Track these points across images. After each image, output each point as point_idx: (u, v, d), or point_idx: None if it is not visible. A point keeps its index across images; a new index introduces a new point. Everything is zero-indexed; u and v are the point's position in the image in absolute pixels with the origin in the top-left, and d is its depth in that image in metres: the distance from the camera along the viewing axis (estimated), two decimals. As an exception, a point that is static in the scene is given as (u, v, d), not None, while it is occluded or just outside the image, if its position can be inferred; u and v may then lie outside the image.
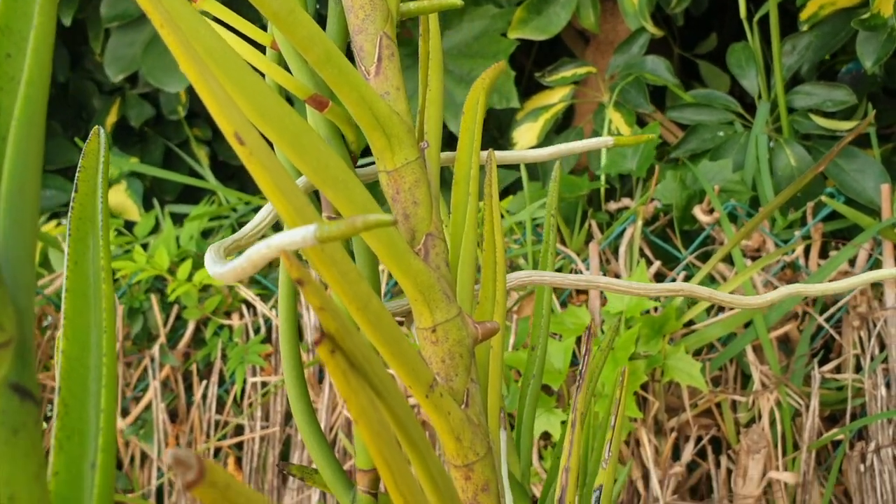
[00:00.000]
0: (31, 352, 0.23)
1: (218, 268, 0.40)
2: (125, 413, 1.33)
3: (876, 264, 1.34)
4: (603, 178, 1.52)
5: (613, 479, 0.60)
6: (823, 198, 1.35)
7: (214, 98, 0.27)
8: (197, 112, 1.95)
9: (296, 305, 0.47)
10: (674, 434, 1.19)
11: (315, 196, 0.52)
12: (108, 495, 0.29)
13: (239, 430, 1.33)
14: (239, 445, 1.31)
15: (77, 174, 0.34)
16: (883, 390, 1.28)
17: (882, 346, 1.31)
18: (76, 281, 0.33)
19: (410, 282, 0.43)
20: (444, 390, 0.42)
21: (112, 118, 1.90)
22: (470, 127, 0.51)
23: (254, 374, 1.29)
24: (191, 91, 1.84)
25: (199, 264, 1.32)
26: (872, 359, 1.30)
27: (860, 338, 1.32)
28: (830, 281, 1.35)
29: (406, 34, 1.71)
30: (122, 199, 1.73)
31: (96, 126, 0.34)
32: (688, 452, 1.20)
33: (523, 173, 1.53)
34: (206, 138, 1.94)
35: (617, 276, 1.37)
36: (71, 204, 0.34)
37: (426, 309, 0.44)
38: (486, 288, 0.51)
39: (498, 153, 0.58)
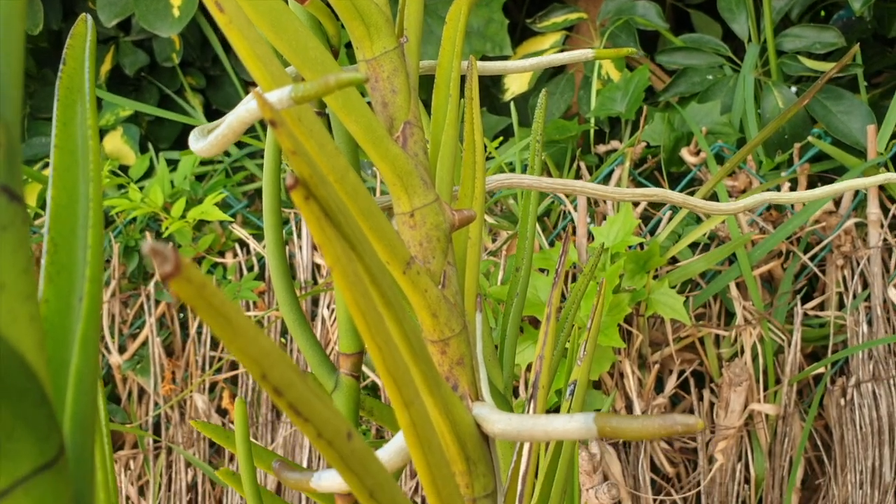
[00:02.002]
0: (18, 160, 0.25)
1: (201, 142, 0.43)
2: (122, 350, 1.36)
3: (861, 204, 1.37)
4: (592, 121, 1.53)
5: (588, 376, 0.62)
6: (810, 138, 1.37)
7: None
8: (191, 60, 1.95)
9: (280, 170, 0.49)
10: (657, 367, 1.22)
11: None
12: (94, 325, 0.31)
13: (233, 365, 1.36)
14: (234, 380, 1.34)
15: (65, 51, 0.36)
16: (865, 327, 1.31)
17: (865, 285, 1.34)
18: (64, 139, 0.35)
19: (388, 166, 0.45)
20: (420, 269, 0.44)
21: (106, 66, 1.90)
22: (451, 36, 0.53)
23: (247, 310, 1.31)
24: (184, 38, 1.85)
25: (192, 203, 1.34)
26: (855, 297, 1.33)
27: (843, 276, 1.35)
28: (816, 222, 1.37)
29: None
30: (118, 144, 1.75)
31: (83, 13, 0.36)
32: (671, 385, 1.23)
33: (514, 119, 1.54)
34: (201, 86, 1.95)
35: (605, 217, 1.39)
36: (59, 75, 0.35)
37: (404, 194, 0.46)
38: (466, 186, 0.53)
39: (480, 63, 0.60)
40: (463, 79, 0.53)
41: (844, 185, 0.67)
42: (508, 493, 0.51)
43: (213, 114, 1.98)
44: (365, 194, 0.36)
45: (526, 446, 0.54)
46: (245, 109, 0.37)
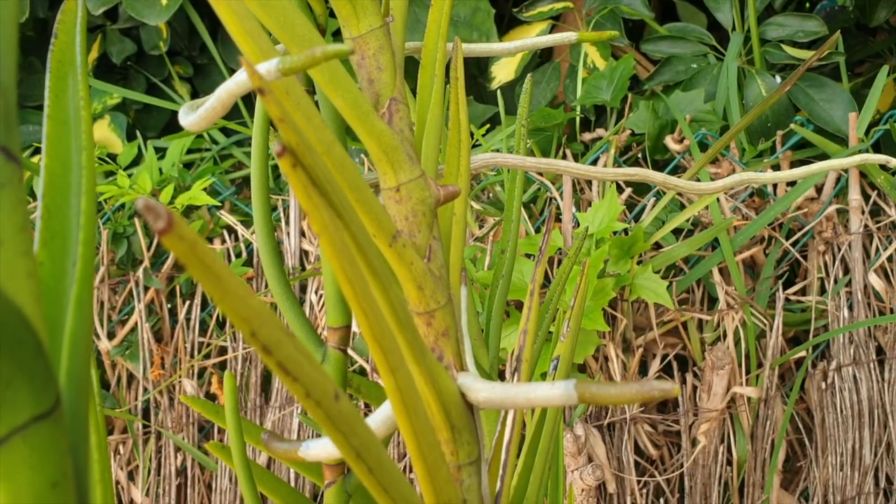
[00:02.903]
0: (15, 122, 0.26)
1: (191, 116, 0.44)
2: (111, 336, 1.37)
3: (843, 190, 1.39)
4: (578, 109, 1.55)
5: (571, 352, 0.63)
6: (793, 126, 1.39)
7: None
8: (178, 49, 1.95)
9: (267, 145, 0.50)
10: (641, 351, 1.23)
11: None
12: (88, 287, 0.32)
13: (222, 351, 1.37)
14: (222, 366, 1.35)
15: (56, 25, 0.37)
16: (845, 312, 1.33)
17: (846, 270, 1.36)
18: (57, 110, 0.36)
19: (375, 142, 0.46)
20: (406, 242, 0.45)
21: (93, 54, 1.90)
22: (437, 18, 0.54)
23: (236, 296, 1.32)
24: (171, 26, 1.85)
25: (181, 190, 1.35)
26: (836, 282, 1.35)
27: (825, 262, 1.36)
28: (798, 208, 1.39)
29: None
30: (105, 133, 1.75)
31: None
32: (654, 369, 1.25)
33: (501, 107, 1.55)
34: (188, 75, 1.95)
35: (590, 203, 1.41)
36: (50, 48, 0.36)
37: (390, 169, 0.47)
38: (451, 163, 0.54)
39: (465, 45, 0.61)
40: (449, 62, 0.54)
41: (821, 166, 0.68)
42: (493, 461, 0.52)
43: (200, 102, 1.98)
44: (352, 167, 0.37)
45: (510, 417, 0.55)
46: (234, 83, 0.38)
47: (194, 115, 0.42)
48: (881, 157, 0.70)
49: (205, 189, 1.31)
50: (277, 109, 0.30)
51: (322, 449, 0.45)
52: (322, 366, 0.55)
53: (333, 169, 0.36)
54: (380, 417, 0.47)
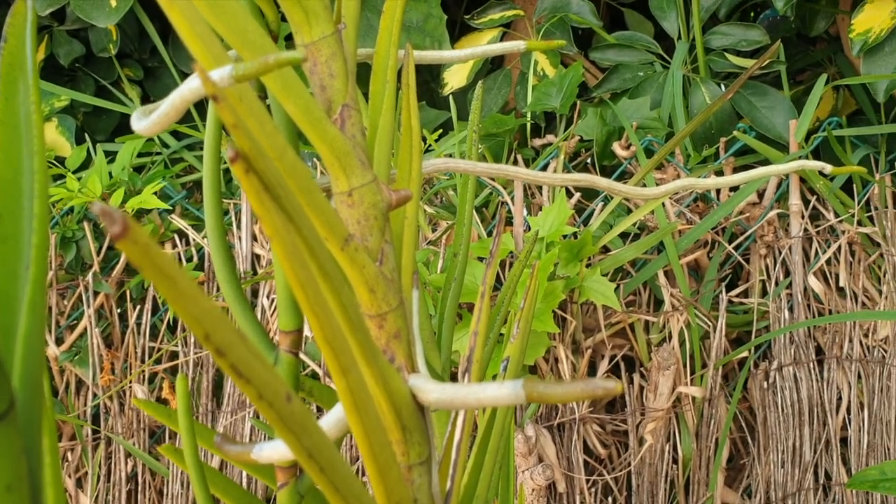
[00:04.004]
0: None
1: (144, 122, 0.44)
2: (60, 341, 1.35)
3: (783, 196, 1.43)
4: (528, 115, 1.57)
5: (521, 353, 0.65)
6: (736, 133, 1.43)
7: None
8: (128, 52, 1.93)
9: (219, 148, 0.51)
10: (590, 352, 1.26)
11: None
12: (41, 291, 0.33)
13: (173, 356, 1.36)
14: (173, 371, 1.34)
15: (5, 29, 0.37)
16: (786, 313, 1.37)
17: (786, 273, 1.40)
18: (8, 114, 0.36)
19: (327, 147, 0.47)
20: (358, 246, 0.46)
21: (40, 55, 1.87)
22: (389, 25, 0.55)
23: (187, 301, 1.31)
24: (121, 28, 1.83)
25: (131, 194, 1.34)
26: (777, 284, 1.39)
27: (766, 265, 1.41)
28: (741, 213, 1.43)
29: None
30: (54, 136, 1.72)
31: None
32: (603, 369, 1.28)
33: (453, 113, 1.57)
34: (138, 78, 1.93)
35: (540, 208, 1.43)
36: (0, 52, 0.37)
37: (342, 174, 0.48)
38: (403, 168, 0.55)
39: (417, 52, 0.62)
40: (400, 69, 0.55)
41: (761, 171, 0.71)
42: (443, 461, 0.53)
43: (150, 105, 1.96)
44: (304, 172, 0.38)
45: (460, 417, 0.56)
46: (188, 88, 0.39)
47: (147, 119, 0.43)
48: (818, 164, 0.73)
49: (155, 193, 1.30)
50: (231, 116, 0.30)
51: (275, 451, 0.46)
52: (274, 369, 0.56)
53: (286, 174, 0.37)
54: (332, 419, 0.48)
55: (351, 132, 0.49)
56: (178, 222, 1.35)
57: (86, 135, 1.74)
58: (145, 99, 1.95)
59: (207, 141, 0.54)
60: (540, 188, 1.48)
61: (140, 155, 1.58)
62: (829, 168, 0.74)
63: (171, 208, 1.37)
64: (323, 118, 0.45)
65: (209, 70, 0.36)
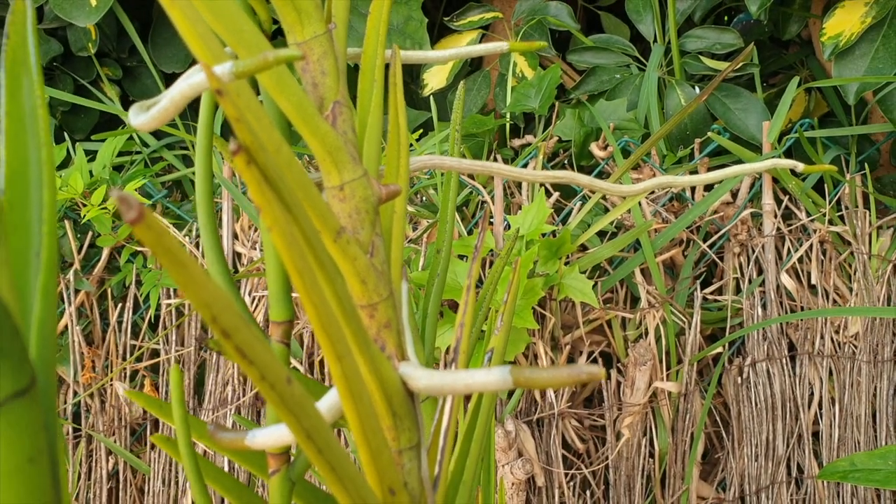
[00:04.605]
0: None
1: (142, 117, 0.45)
2: (39, 340, 1.34)
3: (756, 195, 1.46)
4: (508, 116, 1.59)
5: (505, 344, 0.67)
6: (710, 134, 1.46)
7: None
8: (107, 51, 1.93)
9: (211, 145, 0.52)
10: (568, 348, 1.28)
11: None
12: (53, 276, 0.34)
13: (154, 353, 1.36)
14: (154, 369, 1.35)
15: (7, 27, 0.38)
16: (759, 310, 1.40)
17: (760, 271, 1.43)
18: (13, 108, 0.37)
19: (319, 142, 0.48)
20: (350, 239, 0.48)
21: (17, 54, 1.86)
22: (375, 25, 0.56)
23: (168, 298, 1.32)
24: (100, 28, 1.83)
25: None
26: (751, 281, 1.42)
27: (740, 263, 1.44)
28: (715, 212, 1.46)
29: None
30: (29, 134, 1.72)
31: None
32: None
33: (434, 114, 1.59)
34: (117, 77, 1.93)
35: (520, 207, 1.45)
36: (3, 49, 0.38)
37: (334, 169, 0.50)
38: (391, 164, 0.57)
39: (402, 52, 0.64)
40: (387, 67, 0.57)
41: (735, 170, 0.73)
42: (431, 447, 0.55)
43: (129, 104, 1.96)
44: (298, 166, 0.39)
45: (448, 406, 0.58)
46: (188, 84, 0.40)
47: (146, 114, 0.44)
48: (790, 162, 0.76)
49: (136, 191, 1.30)
50: (234, 110, 0.32)
51: (268, 436, 0.47)
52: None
53: (282, 167, 0.38)
54: (326, 404, 0.49)
55: (342, 128, 0.50)
56: (160, 220, 1.36)
57: (65, 133, 1.73)
58: (124, 98, 1.95)
59: (200, 138, 0.56)
60: (519, 188, 1.50)
61: (120, 154, 1.59)
62: (801, 166, 0.77)
63: (152, 206, 1.38)
64: (315, 114, 0.47)
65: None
